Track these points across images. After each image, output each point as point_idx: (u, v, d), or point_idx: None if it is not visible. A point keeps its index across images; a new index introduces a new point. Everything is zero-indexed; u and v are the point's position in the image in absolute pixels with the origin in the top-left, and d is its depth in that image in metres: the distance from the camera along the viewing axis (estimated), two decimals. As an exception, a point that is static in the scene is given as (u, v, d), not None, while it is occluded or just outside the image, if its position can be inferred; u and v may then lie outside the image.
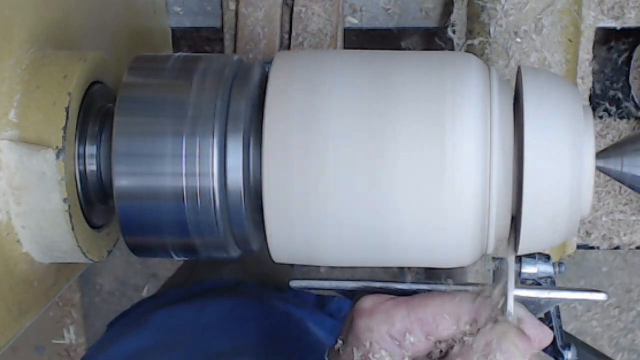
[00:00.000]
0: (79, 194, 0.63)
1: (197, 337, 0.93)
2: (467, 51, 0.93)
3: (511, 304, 0.59)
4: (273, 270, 1.10)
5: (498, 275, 0.64)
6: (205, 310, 0.97)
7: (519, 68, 0.63)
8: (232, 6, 0.97)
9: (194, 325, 0.95)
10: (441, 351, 0.59)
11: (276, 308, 1.00)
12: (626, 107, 1.10)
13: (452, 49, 0.96)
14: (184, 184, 0.60)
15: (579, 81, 0.96)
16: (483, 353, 0.57)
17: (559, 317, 0.65)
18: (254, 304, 0.99)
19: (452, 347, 0.59)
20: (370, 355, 0.58)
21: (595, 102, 1.11)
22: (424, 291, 0.61)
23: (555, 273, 0.65)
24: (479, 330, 0.59)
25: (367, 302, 0.60)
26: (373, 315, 0.59)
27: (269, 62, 0.62)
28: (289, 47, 0.97)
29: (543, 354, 0.61)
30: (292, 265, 0.64)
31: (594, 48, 0.97)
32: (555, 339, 0.62)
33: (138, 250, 0.64)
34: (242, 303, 0.99)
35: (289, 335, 0.96)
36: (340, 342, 0.61)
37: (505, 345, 0.57)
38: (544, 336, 0.60)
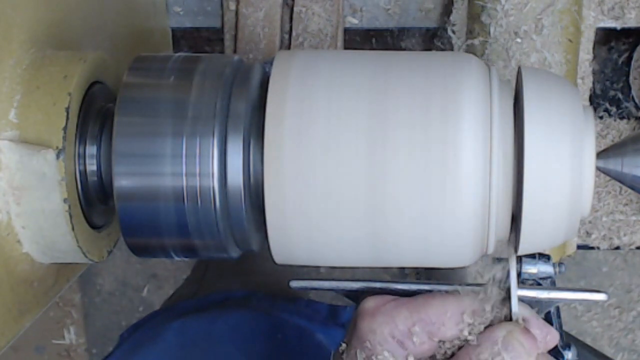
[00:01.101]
0: (79, 194, 0.63)
1: (209, 351, 0.93)
2: (467, 51, 0.93)
3: (515, 304, 0.59)
4: (282, 281, 1.10)
5: (498, 275, 0.64)
6: (217, 323, 0.97)
7: (519, 68, 0.63)
8: (232, 6, 0.98)
9: (206, 338, 0.95)
10: (445, 352, 0.59)
11: (287, 322, 1.00)
12: (626, 107, 1.10)
13: (452, 49, 0.96)
14: (184, 184, 0.60)
15: (579, 81, 0.96)
16: (489, 352, 0.57)
17: (559, 317, 0.65)
18: (265, 318, 0.99)
19: (455, 347, 0.59)
20: (373, 357, 0.58)
21: (595, 102, 1.11)
22: (425, 291, 0.61)
23: (555, 273, 0.65)
24: (485, 328, 0.59)
25: (370, 303, 0.60)
26: (375, 317, 0.59)
27: (269, 62, 0.62)
28: (289, 47, 0.97)
29: (549, 355, 0.61)
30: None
31: (594, 48, 0.97)
32: (555, 339, 0.62)
33: (138, 250, 0.64)
34: (252, 317, 0.99)
35: (300, 350, 0.96)
36: (344, 344, 0.61)
37: (511, 344, 0.57)
38: (551, 336, 0.60)
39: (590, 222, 1.07)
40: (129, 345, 1.02)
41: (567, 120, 0.59)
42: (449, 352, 0.59)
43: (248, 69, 0.64)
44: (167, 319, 1.00)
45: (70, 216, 0.61)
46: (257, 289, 1.07)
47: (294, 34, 0.97)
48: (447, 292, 0.61)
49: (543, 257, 0.65)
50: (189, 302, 1.06)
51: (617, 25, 0.98)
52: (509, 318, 0.59)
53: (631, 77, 1.09)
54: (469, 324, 0.59)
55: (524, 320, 0.59)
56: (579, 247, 1.05)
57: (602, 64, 1.13)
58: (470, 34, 0.94)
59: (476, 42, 0.92)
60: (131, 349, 1.00)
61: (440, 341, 0.59)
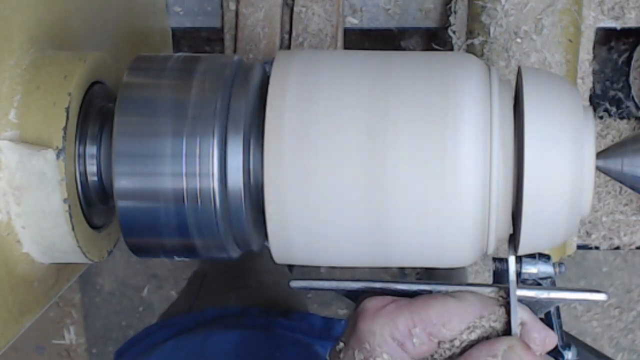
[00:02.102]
0: (79, 194, 0.63)
1: None
2: (467, 51, 0.93)
3: (515, 314, 0.59)
4: (278, 295, 1.10)
5: (498, 275, 0.64)
6: (211, 341, 0.97)
7: (519, 68, 0.63)
8: (232, 6, 0.98)
9: (200, 355, 0.95)
10: (444, 352, 0.59)
11: (284, 336, 1.00)
12: (626, 107, 1.10)
13: (452, 49, 0.96)
14: (184, 184, 0.60)
15: (579, 81, 0.96)
16: None
17: (559, 317, 0.65)
18: (262, 335, 0.99)
19: (454, 347, 0.59)
20: (371, 359, 0.58)
21: (595, 102, 1.11)
22: (425, 291, 0.61)
23: (555, 273, 0.65)
24: (486, 338, 0.58)
25: (371, 304, 0.60)
26: (375, 319, 0.59)
27: (269, 62, 0.62)
28: (289, 47, 0.97)
29: (548, 356, 0.61)
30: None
31: (594, 48, 0.97)
32: (555, 339, 0.62)
33: (138, 250, 0.64)
34: (248, 335, 0.99)
35: None
36: (341, 343, 0.61)
37: (511, 359, 0.57)
38: (549, 339, 0.60)
39: (590, 222, 1.07)
40: None
41: (567, 120, 0.59)
42: (448, 353, 0.59)
43: (248, 69, 0.64)
44: (162, 337, 1.00)
45: (70, 216, 0.61)
46: (252, 304, 1.07)
47: (294, 34, 0.97)
48: (447, 292, 0.61)
49: (543, 257, 0.65)
50: (184, 317, 1.06)
51: (617, 25, 0.98)
52: (508, 322, 0.59)
53: (631, 77, 1.09)
54: (469, 325, 0.59)
55: (523, 324, 0.59)
56: (579, 247, 1.05)
57: (602, 64, 1.13)
58: (470, 34, 0.94)
59: (476, 42, 0.92)
60: None
61: (439, 342, 0.59)
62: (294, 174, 0.58)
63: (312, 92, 0.60)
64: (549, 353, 0.61)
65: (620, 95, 1.11)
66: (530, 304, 0.61)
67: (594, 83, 1.01)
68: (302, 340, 1.00)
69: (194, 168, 0.60)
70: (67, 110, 0.60)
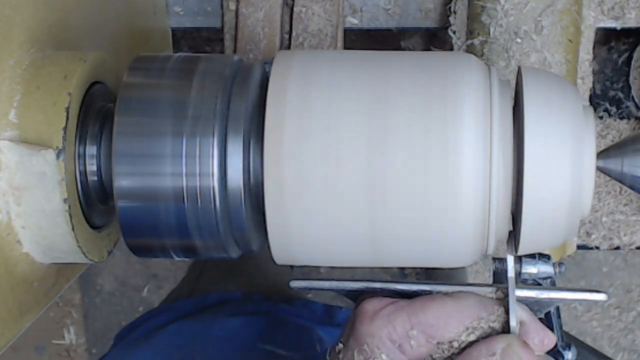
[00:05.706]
0: (79, 194, 0.63)
1: (205, 352, 0.94)
2: (467, 51, 0.93)
3: (513, 311, 0.59)
4: (279, 282, 1.11)
5: (498, 275, 0.64)
6: (213, 328, 0.97)
7: (519, 68, 0.63)
8: (232, 6, 0.97)
9: (202, 340, 0.95)
10: (443, 352, 0.59)
11: (286, 321, 1.00)
12: (626, 107, 1.10)
13: (452, 49, 0.96)
14: (184, 184, 0.60)
15: (579, 81, 0.96)
16: None
17: (559, 317, 0.65)
18: (264, 321, 0.99)
19: (453, 348, 0.59)
20: None
21: (595, 102, 1.11)
22: (425, 291, 0.61)
23: (555, 273, 0.65)
24: (485, 337, 0.58)
25: (369, 306, 0.60)
26: (374, 320, 0.59)
27: (269, 62, 0.62)
28: (288, 47, 0.97)
29: (547, 356, 0.61)
30: (292, 269, 0.65)
31: (594, 48, 0.97)
32: (555, 339, 0.62)
33: (138, 250, 0.64)
34: (251, 321, 0.99)
35: (300, 346, 0.97)
36: (340, 344, 0.61)
37: (509, 356, 0.57)
38: (548, 340, 0.60)
39: (590, 222, 1.07)
40: (125, 344, 1.02)
41: (567, 120, 0.59)
42: (447, 353, 0.59)
43: (248, 69, 0.64)
44: (163, 320, 1.01)
45: (70, 216, 0.61)
46: (253, 290, 1.07)
47: (294, 34, 0.97)
48: (446, 292, 0.61)
49: (543, 257, 0.65)
50: (185, 302, 1.06)
51: (617, 25, 0.98)
52: (507, 322, 0.59)
53: (631, 77, 1.09)
54: (468, 326, 0.59)
55: (522, 323, 0.59)
56: (579, 247, 1.05)
57: (602, 64, 1.13)
58: (470, 34, 0.94)
59: (476, 42, 0.92)
60: (127, 349, 1.00)
61: (438, 342, 0.59)
62: (294, 174, 0.58)
63: (312, 92, 0.60)
64: (548, 353, 0.61)
65: (620, 95, 1.11)
66: (530, 304, 0.61)
67: (594, 83, 1.01)
68: (304, 324, 1.01)
69: (194, 168, 0.60)
70: (67, 110, 0.60)
